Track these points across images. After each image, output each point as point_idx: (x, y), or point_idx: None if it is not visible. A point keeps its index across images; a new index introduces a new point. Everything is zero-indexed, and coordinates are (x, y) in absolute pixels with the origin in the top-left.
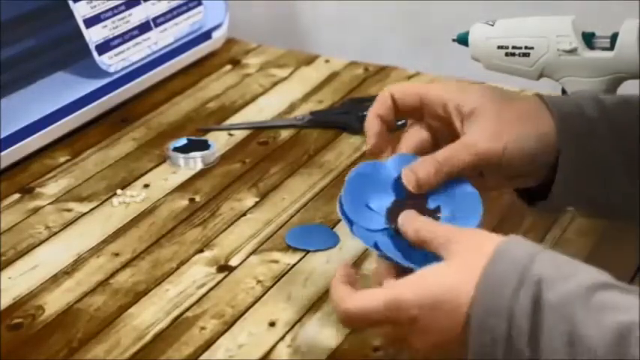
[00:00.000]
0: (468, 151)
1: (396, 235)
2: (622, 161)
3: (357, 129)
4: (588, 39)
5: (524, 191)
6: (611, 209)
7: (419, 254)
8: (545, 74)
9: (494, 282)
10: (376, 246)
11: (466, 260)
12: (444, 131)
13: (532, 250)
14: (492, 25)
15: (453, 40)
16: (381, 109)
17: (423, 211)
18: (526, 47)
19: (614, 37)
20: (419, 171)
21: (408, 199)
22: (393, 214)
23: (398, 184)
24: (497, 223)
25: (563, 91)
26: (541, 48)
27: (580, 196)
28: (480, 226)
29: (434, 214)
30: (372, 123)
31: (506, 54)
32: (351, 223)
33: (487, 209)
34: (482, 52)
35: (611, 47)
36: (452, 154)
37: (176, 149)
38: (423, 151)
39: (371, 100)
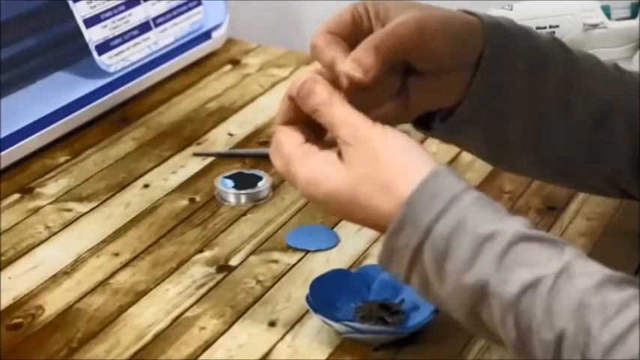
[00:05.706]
0: (399, 29)
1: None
2: (524, 97)
3: None
4: (607, 11)
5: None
6: (499, 150)
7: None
8: None
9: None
10: (346, 325)
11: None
12: None
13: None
14: (511, 9)
15: None
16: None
17: (392, 306)
18: (551, 26)
19: (633, 6)
20: (362, 58)
21: (374, 299)
22: (360, 311)
23: (364, 288)
24: None
25: None
26: (566, 25)
27: (481, 119)
28: (436, 311)
29: (399, 306)
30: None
31: None
32: (316, 311)
33: None
34: None
35: (633, 16)
36: (387, 32)
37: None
38: None
39: None
